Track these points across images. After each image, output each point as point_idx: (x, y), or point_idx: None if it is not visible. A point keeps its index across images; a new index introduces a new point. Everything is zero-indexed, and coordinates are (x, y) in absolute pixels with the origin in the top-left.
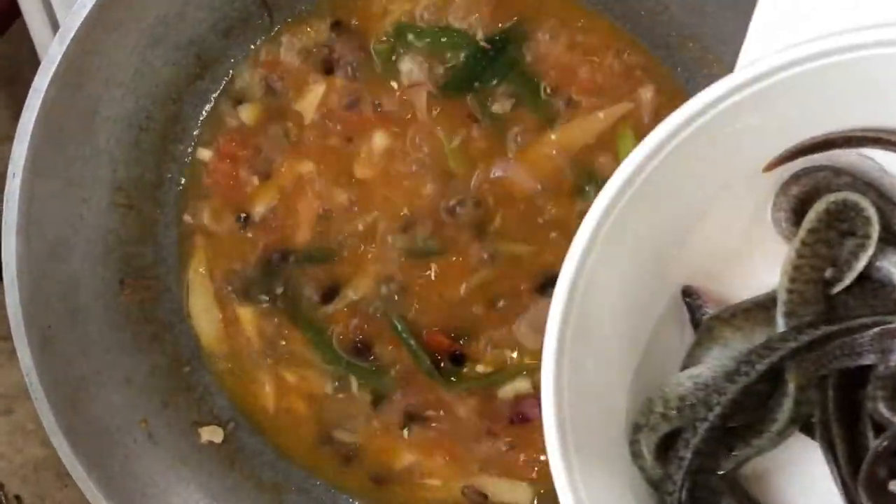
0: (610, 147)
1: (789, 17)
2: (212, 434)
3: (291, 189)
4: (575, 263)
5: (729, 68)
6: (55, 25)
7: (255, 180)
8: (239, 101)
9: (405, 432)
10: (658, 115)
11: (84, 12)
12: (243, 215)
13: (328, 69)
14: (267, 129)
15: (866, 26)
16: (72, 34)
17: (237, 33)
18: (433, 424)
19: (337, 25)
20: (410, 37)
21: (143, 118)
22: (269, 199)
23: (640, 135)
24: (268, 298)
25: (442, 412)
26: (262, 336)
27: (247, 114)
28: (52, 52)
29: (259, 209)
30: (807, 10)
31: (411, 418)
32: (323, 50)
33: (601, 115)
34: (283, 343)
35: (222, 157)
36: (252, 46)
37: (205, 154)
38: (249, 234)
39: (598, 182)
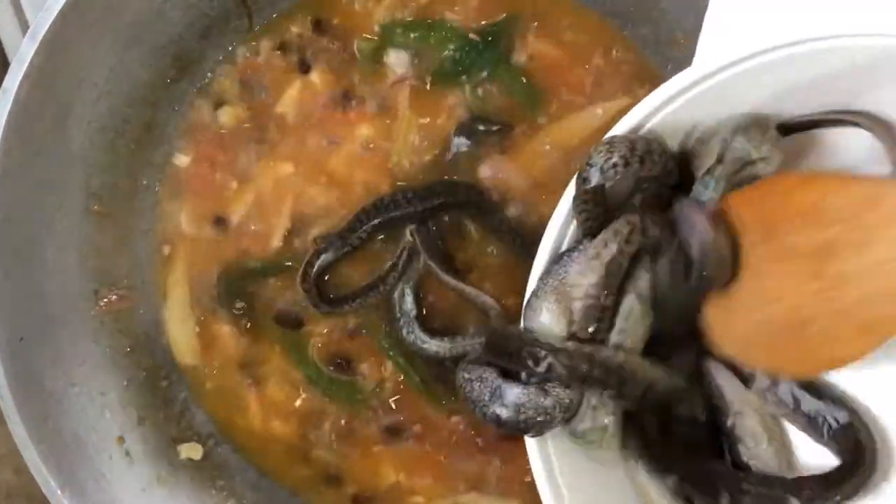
0: None
1: (741, 14)
2: (191, 451)
3: (269, 193)
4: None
5: None
6: (25, 25)
7: (234, 184)
8: (218, 103)
9: (390, 448)
10: None
11: (55, 10)
12: (220, 219)
13: (305, 69)
14: (245, 132)
15: (812, 21)
16: (42, 33)
17: (216, 34)
18: (419, 441)
19: (318, 24)
20: (398, 31)
21: (118, 122)
22: (247, 203)
23: None
24: (243, 311)
25: (429, 428)
26: (240, 350)
27: (226, 116)
28: (22, 51)
29: (236, 214)
30: (757, 6)
31: (397, 433)
32: (303, 49)
33: (599, 110)
34: (262, 357)
35: (200, 160)
36: (230, 47)
37: (182, 160)
38: (227, 240)
39: None
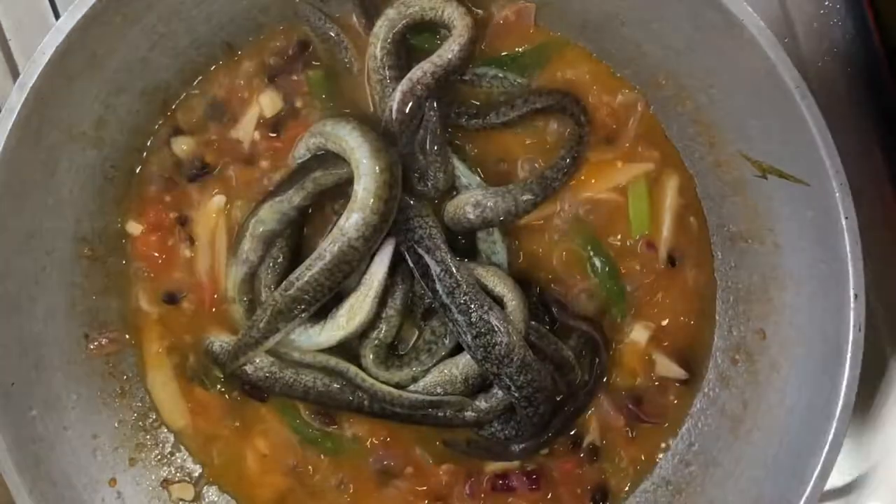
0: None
1: None
2: (182, 492)
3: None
4: None
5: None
6: (15, 74)
7: (188, 251)
8: (177, 132)
9: (382, 493)
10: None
11: (43, 60)
12: (169, 295)
13: (272, 75)
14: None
15: None
16: (31, 82)
17: (203, 80)
18: (410, 484)
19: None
20: None
21: (107, 167)
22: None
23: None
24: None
25: (420, 472)
26: (226, 407)
27: (183, 146)
28: (11, 101)
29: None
30: None
31: (387, 475)
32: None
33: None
34: (251, 414)
35: (150, 229)
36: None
37: (134, 228)
38: (187, 311)
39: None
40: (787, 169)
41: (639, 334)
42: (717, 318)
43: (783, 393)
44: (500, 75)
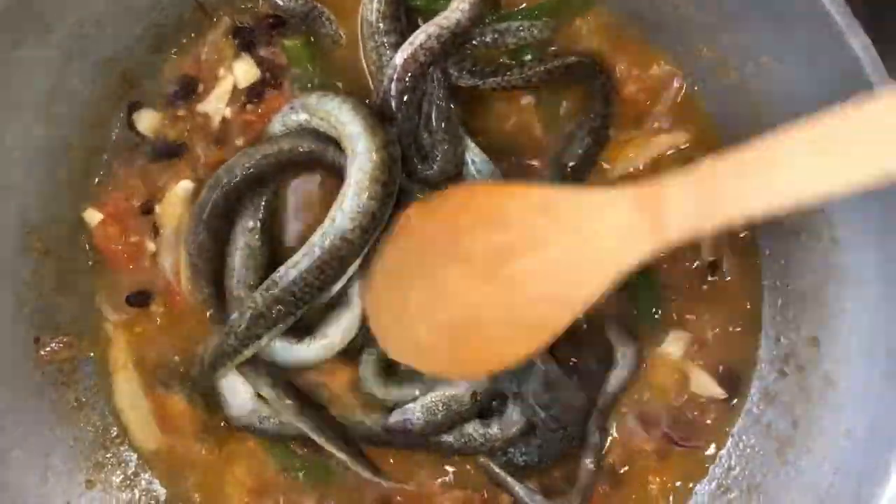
0: None
1: None
2: None
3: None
4: None
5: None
6: None
7: (152, 244)
8: (139, 106)
9: None
10: None
11: None
12: (135, 297)
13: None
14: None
15: None
16: None
17: (169, 47)
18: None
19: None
20: None
21: (59, 147)
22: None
23: None
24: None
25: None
26: (199, 426)
27: (146, 123)
28: None
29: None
30: None
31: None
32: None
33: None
34: (226, 434)
35: (110, 219)
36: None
37: (93, 217)
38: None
39: None
40: None
41: (673, 345)
42: (763, 323)
43: (840, 412)
44: (528, 26)
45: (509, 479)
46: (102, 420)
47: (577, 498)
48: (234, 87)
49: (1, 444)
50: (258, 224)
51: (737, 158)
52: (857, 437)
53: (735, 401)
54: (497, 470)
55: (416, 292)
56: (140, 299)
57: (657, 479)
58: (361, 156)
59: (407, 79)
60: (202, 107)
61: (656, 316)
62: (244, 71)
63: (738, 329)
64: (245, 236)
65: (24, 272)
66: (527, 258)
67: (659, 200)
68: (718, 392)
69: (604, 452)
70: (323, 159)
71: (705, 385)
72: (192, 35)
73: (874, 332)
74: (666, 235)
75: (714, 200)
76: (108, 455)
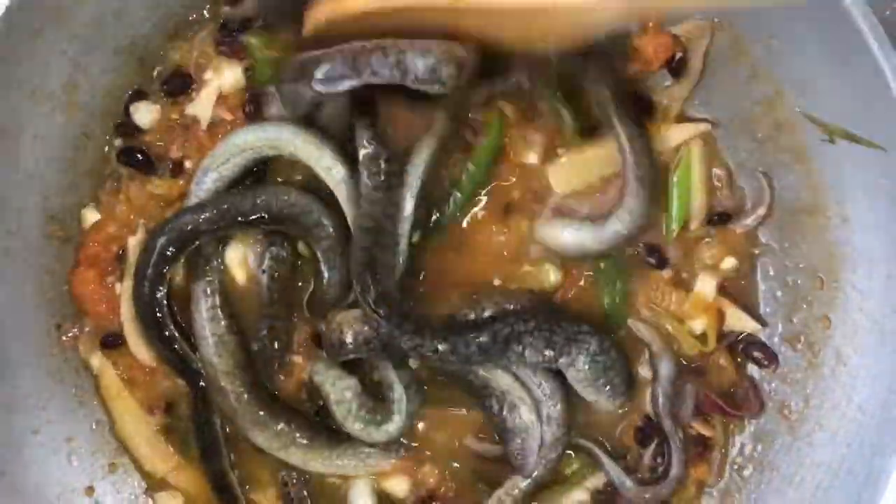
0: None
1: None
2: (169, 500)
3: None
4: None
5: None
6: None
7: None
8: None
9: None
10: None
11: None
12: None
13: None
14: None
15: None
16: None
17: (185, 34)
18: None
19: None
20: None
21: (79, 136)
22: None
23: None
24: None
25: None
26: None
27: (144, 115)
28: None
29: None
30: None
31: None
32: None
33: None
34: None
35: (87, 262)
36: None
37: (90, 216)
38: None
39: None
40: (860, 132)
41: (705, 284)
42: (774, 302)
43: (851, 388)
44: None
45: (605, 458)
46: None
47: (667, 488)
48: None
49: (24, 428)
50: (215, 306)
51: None
52: (869, 412)
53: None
54: (597, 451)
55: None
56: (114, 341)
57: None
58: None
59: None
60: (191, 108)
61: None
62: (229, 75)
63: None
64: (209, 324)
65: (45, 259)
66: None
67: None
68: (754, 325)
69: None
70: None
71: (741, 319)
72: (206, 15)
73: (884, 309)
74: None
75: None
76: None
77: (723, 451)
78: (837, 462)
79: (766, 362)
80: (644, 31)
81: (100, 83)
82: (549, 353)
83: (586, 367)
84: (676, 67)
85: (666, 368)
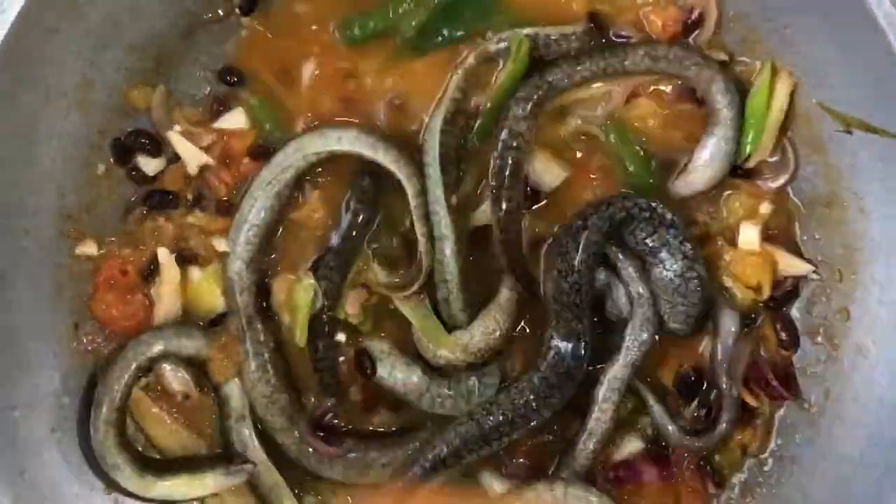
0: None
1: None
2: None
3: None
4: None
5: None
6: None
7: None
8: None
9: None
10: None
11: (15, 10)
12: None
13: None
14: None
15: None
16: (2, 36)
17: (202, 31)
18: None
19: None
20: None
21: (94, 134)
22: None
23: None
24: None
25: None
26: None
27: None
28: None
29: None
30: None
31: None
32: None
33: None
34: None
35: (105, 287)
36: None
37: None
38: None
39: None
40: (877, 122)
41: (748, 232)
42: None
43: (871, 380)
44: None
45: (652, 399)
46: None
47: (709, 443)
48: None
49: (43, 426)
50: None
51: None
52: (889, 404)
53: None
54: (645, 392)
55: None
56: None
57: None
58: None
59: None
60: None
61: None
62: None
63: None
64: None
65: (62, 257)
66: None
67: None
68: (807, 267)
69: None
70: None
71: (792, 263)
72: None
73: None
74: None
75: None
76: None
77: (768, 422)
78: (858, 454)
79: (786, 341)
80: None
81: (114, 82)
82: (653, 240)
83: (676, 266)
84: (694, 24)
85: (728, 324)
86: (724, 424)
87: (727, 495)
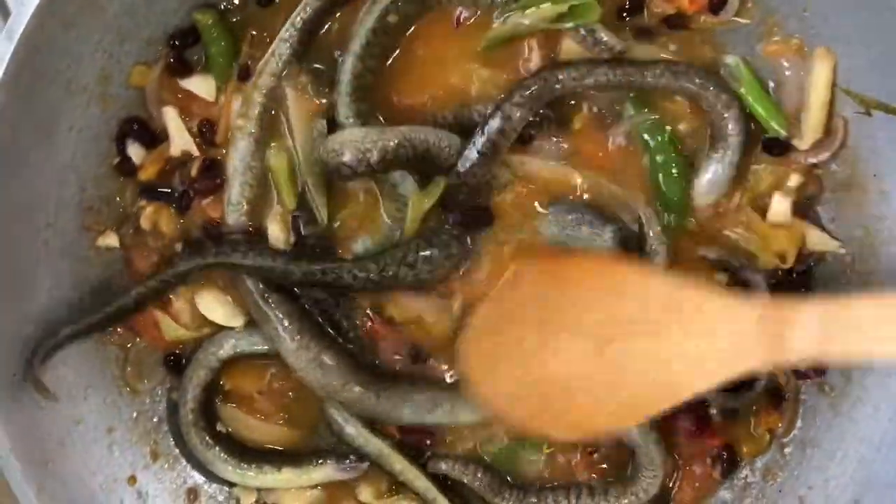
0: None
1: None
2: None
3: None
4: None
5: None
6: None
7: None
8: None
9: None
10: None
11: (34, 3)
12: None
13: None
14: None
15: None
16: (21, 29)
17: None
18: None
19: None
20: None
21: (113, 127)
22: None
23: None
24: None
25: None
26: None
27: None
28: None
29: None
30: None
31: None
32: None
33: None
34: None
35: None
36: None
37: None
38: None
39: None
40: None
41: (779, 203)
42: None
43: (891, 363)
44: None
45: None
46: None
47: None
48: None
49: (66, 419)
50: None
51: (875, 304)
52: None
53: None
54: None
55: (518, 347)
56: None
57: None
58: None
59: None
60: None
61: None
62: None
63: None
64: None
65: (84, 251)
66: (639, 340)
67: (785, 323)
68: (835, 244)
69: None
70: None
71: (821, 240)
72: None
73: None
74: (781, 356)
75: (840, 338)
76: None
77: (794, 404)
78: (879, 436)
79: None
80: None
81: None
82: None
83: None
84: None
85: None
86: (760, 388)
87: (747, 479)
